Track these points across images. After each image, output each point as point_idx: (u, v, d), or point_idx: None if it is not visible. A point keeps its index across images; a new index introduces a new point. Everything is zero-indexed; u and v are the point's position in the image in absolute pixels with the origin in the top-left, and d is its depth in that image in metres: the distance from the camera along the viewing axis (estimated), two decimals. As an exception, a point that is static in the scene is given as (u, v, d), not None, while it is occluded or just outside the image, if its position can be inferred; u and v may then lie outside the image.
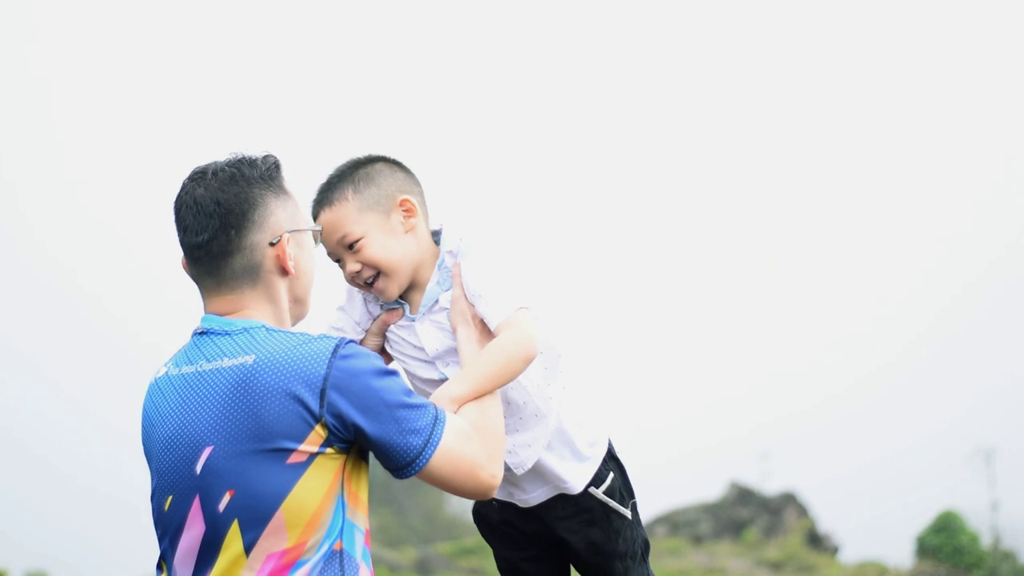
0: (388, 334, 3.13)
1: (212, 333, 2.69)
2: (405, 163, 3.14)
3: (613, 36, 42.70)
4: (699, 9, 41.41)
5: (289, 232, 2.77)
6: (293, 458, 2.59)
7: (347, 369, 2.62)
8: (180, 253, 2.77)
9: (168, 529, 2.66)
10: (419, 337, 3.06)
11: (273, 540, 2.58)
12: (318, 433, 2.60)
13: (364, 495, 2.73)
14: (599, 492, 3.23)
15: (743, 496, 26.27)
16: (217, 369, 2.62)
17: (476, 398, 2.83)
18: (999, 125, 39.83)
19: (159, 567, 2.72)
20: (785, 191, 41.83)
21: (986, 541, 23.48)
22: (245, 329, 2.67)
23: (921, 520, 23.82)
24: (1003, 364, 35.08)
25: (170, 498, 2.63)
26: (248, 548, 2.58)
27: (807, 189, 41.49)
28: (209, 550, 2.60)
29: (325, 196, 3.03)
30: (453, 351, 3.03)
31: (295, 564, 2.60)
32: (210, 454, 2.58)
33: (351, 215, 3.00)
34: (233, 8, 40.35)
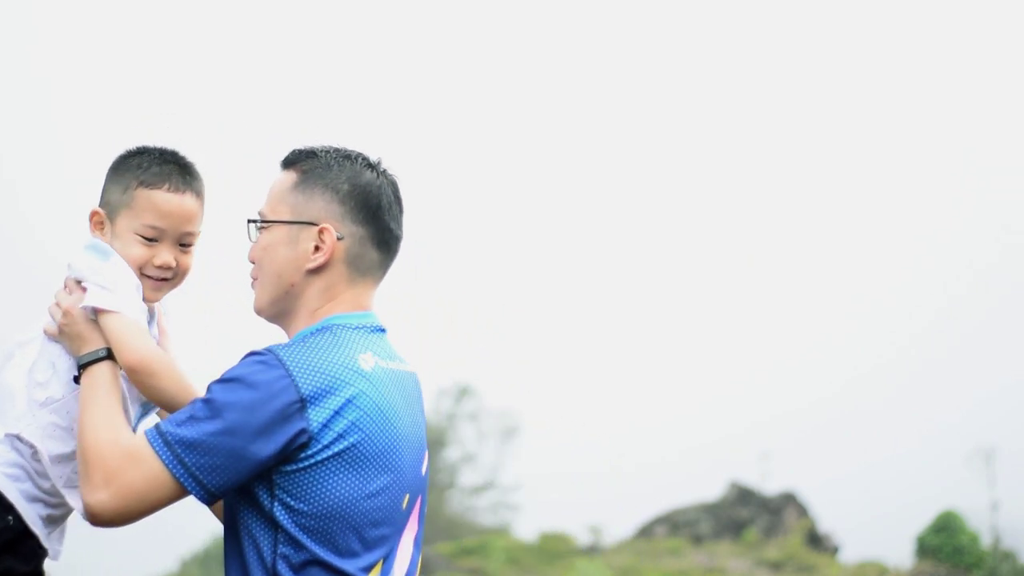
0: None
1: (383, 331, 2.70)
2: None
3: (595, 44, 42.72)
4: (679, 18, 41.44)
5: None
6: None
7: None
8: (335, 231, 2.62)
9: (398, 529, 2.59)
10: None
11: None
12: None
13: None
14: None
15: (743, 496, 26.28)
16: (408, 372, 2.70)
17: None
18: (1001, 124, 39.85)
19: (365, 570, 2.53)
20: (793, 190, 41.85)
21: (986, 541, 23.50)
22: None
23: (921, 520, 23.84)
24: (1003, 365, 35.12)
25: (407, 496, 2.60)
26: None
27: (815, 188, 41.51)
28: (416, 549, 2.67)
29: (194, 184, 2.88)
30: None
31: None
32: (427, 457, 2.72)
33: (201, 216, 2.90)
34: (232, 8, 40.37)
